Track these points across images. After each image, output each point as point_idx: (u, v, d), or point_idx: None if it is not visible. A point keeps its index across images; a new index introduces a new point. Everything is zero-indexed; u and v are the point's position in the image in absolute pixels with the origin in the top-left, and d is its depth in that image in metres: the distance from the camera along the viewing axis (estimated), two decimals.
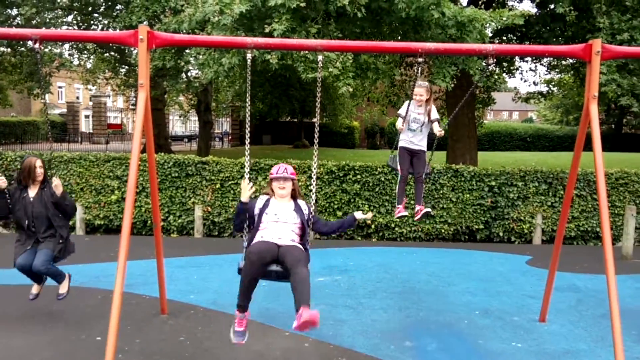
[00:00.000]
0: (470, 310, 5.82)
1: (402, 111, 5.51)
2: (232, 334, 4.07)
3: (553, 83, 23.65)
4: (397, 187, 5.84)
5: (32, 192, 5.24)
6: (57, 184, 5.09)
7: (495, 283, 7.04)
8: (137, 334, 4.85)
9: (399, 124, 5.54)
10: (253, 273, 3.83)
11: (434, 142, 5.68)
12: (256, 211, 4.10)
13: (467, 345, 4.76)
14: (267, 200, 4.12)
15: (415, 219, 5.73)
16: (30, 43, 4.47)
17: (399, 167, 5.68)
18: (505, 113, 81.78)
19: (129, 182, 4.36)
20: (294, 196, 4.21)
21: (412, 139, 5.58)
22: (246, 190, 4.03)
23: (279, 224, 4.00)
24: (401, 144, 5.67)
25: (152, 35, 4.42)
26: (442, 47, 4.58)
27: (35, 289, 5.40)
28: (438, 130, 5.42)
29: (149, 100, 4.58)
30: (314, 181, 4.35)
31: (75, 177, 10.14)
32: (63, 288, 5.38)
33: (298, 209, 4.13)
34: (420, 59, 4.45)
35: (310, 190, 9.36)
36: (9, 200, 5.15)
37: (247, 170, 4.37)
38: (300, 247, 3.99)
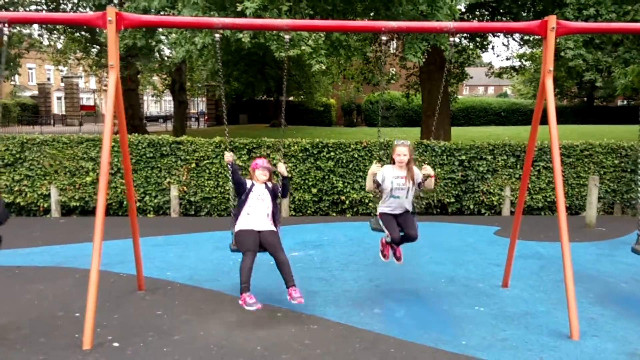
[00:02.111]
0: (437, 278, 6.09)
1: (379, 177, 5.22)
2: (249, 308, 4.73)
3: (525, 57, 23.96)
4: (380, 243, 5.58)
5: None
6: None
7: (463, 253, 7.32)
8: (115, 310, 4.99)
9: (369, 184, 5.25)
10: (252, 261, 4.91)
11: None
12: (246, 188, 5.33)
13: (432, 311, 5.01)
14: (252, 184, 5.35)
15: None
16: None
17: (386, 231, 5.28)
18: (480, 88, 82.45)
19: (101, 163, 4.46)
20: (267, 181, 5.41)
21: (397, 209, 5.29)
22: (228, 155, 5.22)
23: (259, 201, 5.26)
24: (383, 211, 5.34)
25: (121, 16, 4.48)
26: (405, 26, 4.72)
27: None
28: (431, 186, 5.29)
29: (120, 81, 4.65)
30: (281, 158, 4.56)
31: (49, 159, 10.11)
32: None
33: (269, 189, 5.36)
34: (384, 37, 4.59)
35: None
36: None
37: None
38: (274, 229, 5.23)
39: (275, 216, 5.34)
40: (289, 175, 5.54)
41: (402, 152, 5.17)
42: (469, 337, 4.35)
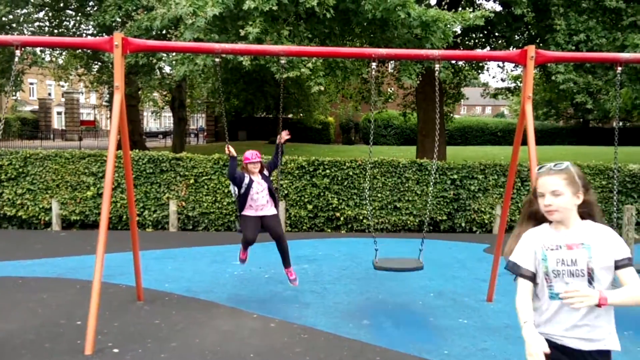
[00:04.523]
0: (426, 292, 6.32)
1: (519, 258, 2.44)
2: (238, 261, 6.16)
3: (520, 79, 24.41)
4: None
5: None
6: None
7: (452, 269, 7.56)
8: (115, 318, 5.21)
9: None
10: (248, 245, 5.95)
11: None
12: (244, 185, 5.85)
13: (419, 322, 5.25)
14: (250, 179, 5.87)
15: None
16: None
17: None
18: (478, 108, 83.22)
19: (105, 178, 4.73)
20: (260, 170, 6.01)
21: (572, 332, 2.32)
22: (233, 151, 5.81)
23: (259, 194, 5.87)
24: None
25: (127, 41, 4.78)
26: (393, 53, 5.04)
27: None
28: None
29: (124, 101, 4.93)
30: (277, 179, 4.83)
31: (51, 173, 10.38)
32: None
33: (265, 177, 6.00)
34: (373, 64, 4.90)
35: (281, 185, 9.77)
36: None
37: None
38: (275, 214, 5.99)
39: (274, 196, 5.97)
40: (286, 139, 6.10)
41: (551, 184, 2.34)
42: (451, 347, 4.59)
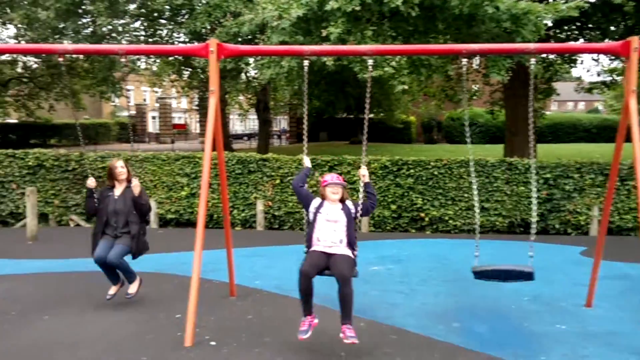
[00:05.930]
0: (519, 296, 6.10)
1: None
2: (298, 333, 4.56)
3: (617, 72, 22.89)
4: None
5: (118, 190, 5.79)
6: (134, 185, 5.65)
7: (547, 272, 7.21)
8: (210, 313, 5.45)
9: None
10: (305, 284, 4.57)
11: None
12: (312, 209, 4.81)
13: (513, 327, 5.08)
14: (321, 203, 4.81)
15: None
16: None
17: None
18: (570, 103, 78.98)
19: (202, 179, 4.96)
20: (342, 200, 4.83)
21: None
22: (308, 162, 5.11)
23: (330, 223, 4.69)
24: None
25: (221, 47, 4.98)
26: (486, 48, 4.92)
27: (112, 289, 5.77)
28: None
29: (219, 105, 5.15)
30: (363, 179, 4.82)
31: (150, 174, 11.01)
32: (132, 288, 5.76)
33: (345, 209, 4.78)
34: (464, 60, 4.79)
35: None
36: (96, 199, 5.72)
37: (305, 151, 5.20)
38: (348, 255, 4.63)
39: (351, 240, 4.71)
40: (371, 182, 4.97)
41: None
42: (549, 353, 4.40)
